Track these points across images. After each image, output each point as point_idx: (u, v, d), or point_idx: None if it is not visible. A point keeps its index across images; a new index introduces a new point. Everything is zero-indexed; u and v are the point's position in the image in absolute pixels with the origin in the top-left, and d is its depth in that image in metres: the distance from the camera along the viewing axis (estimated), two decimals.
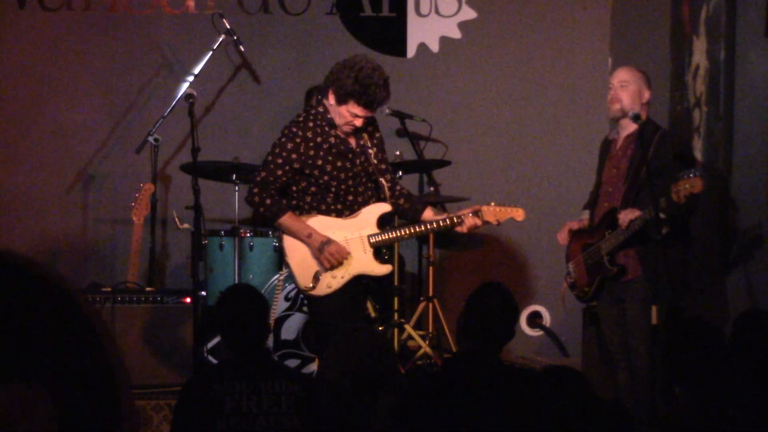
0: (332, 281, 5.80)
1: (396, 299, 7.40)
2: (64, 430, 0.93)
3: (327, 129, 5.78)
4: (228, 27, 7.72)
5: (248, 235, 7.00)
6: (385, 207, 5.91)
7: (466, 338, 4.53)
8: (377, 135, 5.97)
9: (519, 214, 6.03)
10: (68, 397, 0.93)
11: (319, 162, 5.75)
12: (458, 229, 5.93)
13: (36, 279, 0.97)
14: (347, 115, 5.72)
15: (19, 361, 0.91)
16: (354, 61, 5.74)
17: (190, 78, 7.76)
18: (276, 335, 6.62)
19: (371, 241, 5.85)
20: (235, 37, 7.74)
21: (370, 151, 5.89)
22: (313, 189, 5.80)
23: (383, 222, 5.95)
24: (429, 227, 6.00)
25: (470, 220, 5.86)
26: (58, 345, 0.94)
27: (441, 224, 5.93)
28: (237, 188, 7.18)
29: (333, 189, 5.79)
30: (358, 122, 5.74)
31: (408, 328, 7.31)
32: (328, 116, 5.78)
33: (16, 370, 0.91)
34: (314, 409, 4.35)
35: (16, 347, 0.92)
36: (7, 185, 7.99)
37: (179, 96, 7.41)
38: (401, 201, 5.99)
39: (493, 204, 5.98)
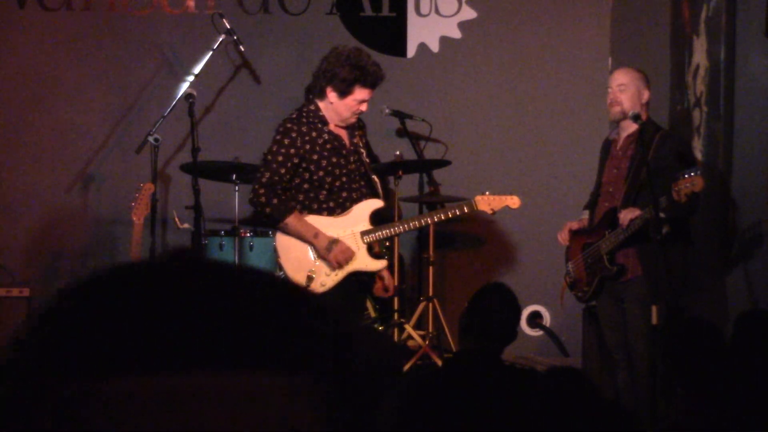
0: (326, 279, 5.81)
1: (396, 299, 7.40)
2: (333, 418, 1.00)
3: (320, 126, 5.82)
4: (228, 27, 7.71)
5: (248, 235, 7.00)
6: (377, 203, 5.92)
7: (468, 338, 4.54)
8: (364, 141, 6.03)
9: (514, 201, 6.06)
10: (339, 389, 1.01)
11: (315, 156, 5.77)
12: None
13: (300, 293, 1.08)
14: (354, 104, 5.77)
15: (292, 351, 0.99)
16: (337, 54, 5.79)
17: (190, 78, 7.76)
18: None
19: (364, 238, 5.86)
20: (235, 37, 7.73)
21: (362, 150, 5.92)
22: (306, 186, 5.81)
23: (377, 218, 5.95)
24: (422, 223, 6.05)
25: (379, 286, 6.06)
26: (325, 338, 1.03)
27: (435, 219, 6.00)
28: (237, 188, 7.17)
29: (327, 185, 5.80)
30: (364, 107, 5.81)
31: (408, 328, 7.31)
32: (320, 114, 5.81)
33: (293, 360, 0.99)
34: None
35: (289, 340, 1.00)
36: (8, 185, 7.99)
37: (179, 96, 7.40)
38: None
39: (487, 193, 6.03)
